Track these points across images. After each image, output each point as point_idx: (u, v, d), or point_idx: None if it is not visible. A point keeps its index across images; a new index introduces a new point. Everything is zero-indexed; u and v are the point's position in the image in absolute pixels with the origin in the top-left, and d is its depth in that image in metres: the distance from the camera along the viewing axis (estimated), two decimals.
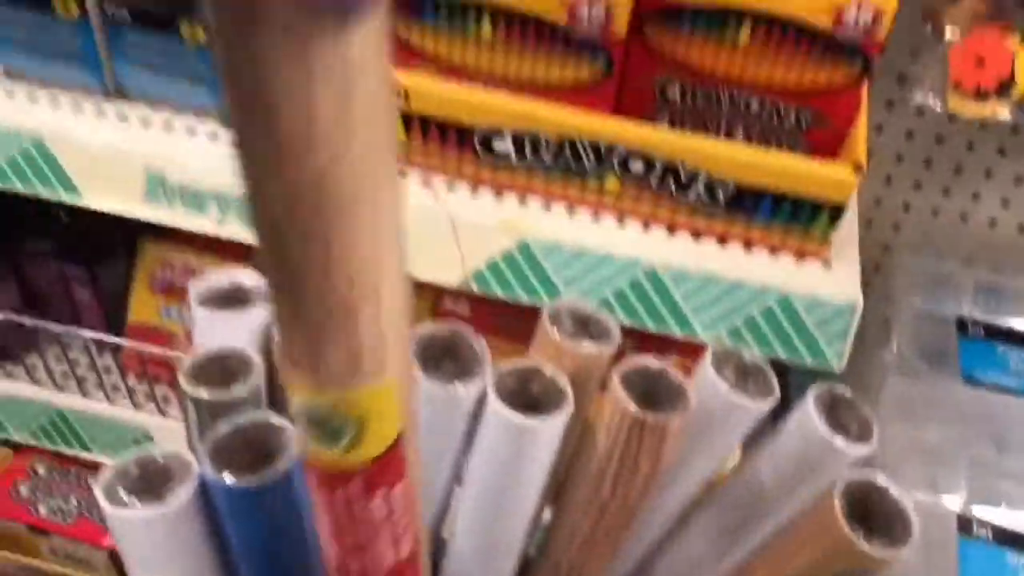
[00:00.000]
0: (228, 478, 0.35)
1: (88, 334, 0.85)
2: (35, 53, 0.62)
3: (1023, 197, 0.94)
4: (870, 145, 0.93)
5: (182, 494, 0.35)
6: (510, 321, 0.68)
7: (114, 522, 0.36)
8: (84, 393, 0.88)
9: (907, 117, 0.91)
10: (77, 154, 0.62)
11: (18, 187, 0.65)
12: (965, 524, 0.76)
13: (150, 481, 0.38)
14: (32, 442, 0.90)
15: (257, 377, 0.44)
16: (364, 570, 0.33)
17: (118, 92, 0.64)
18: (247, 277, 0.50)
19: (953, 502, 0.78)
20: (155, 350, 0.83)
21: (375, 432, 0.28)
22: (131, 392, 0.87)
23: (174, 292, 0.86)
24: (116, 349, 0.89)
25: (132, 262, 0.87)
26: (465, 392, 0.44)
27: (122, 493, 0.37)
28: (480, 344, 0.46)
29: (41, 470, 0.98)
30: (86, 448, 0.89)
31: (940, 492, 0.81)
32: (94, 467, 0.98)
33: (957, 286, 0.93)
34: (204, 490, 0.35)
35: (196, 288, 0.49)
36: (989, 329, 0.88)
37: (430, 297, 0.84)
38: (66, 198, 0.64)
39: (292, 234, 0.21)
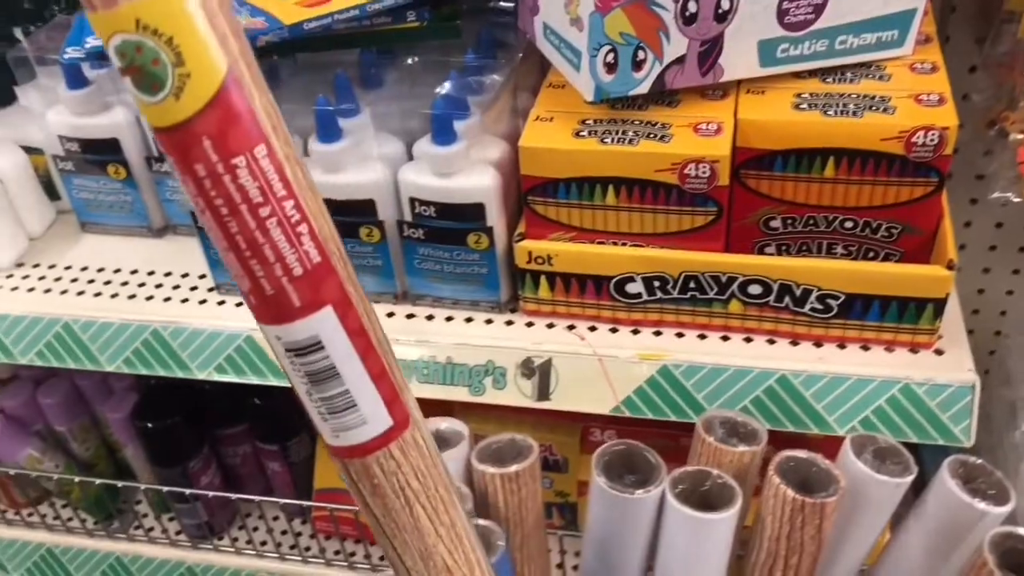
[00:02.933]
0: None
1: (282, 501, 0.96)
2: None
3: None
4: (963, 240, 1.00)
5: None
6: (655, 442, 0.76)
7: None
8: (282, 558, 0.98)
9: (992, 211, 0.98)
10: None
11: (233, 378, 0.77)
12: None
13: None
14: None
15: (468, 501, 0.54)
16: (268, 267, 0.32)
17: None
18: (444, 424, 0.61)
19: None
20: (344, 508, 0.93)
21: (194, 64, 0.27)
22: (324, 552, 0.97)
23: None
24: (305, 514, 0.99)
25: (314, 437, 0.99)
26: (646, 497, 0.53)
27: None
28: (655, 455, 0.54)
29: None
30: None
31: None
32: None
33: None
34: None
35: None
36: None
37: (578, 429, 0.92)
38: (273, 381, 0.76)
39: None
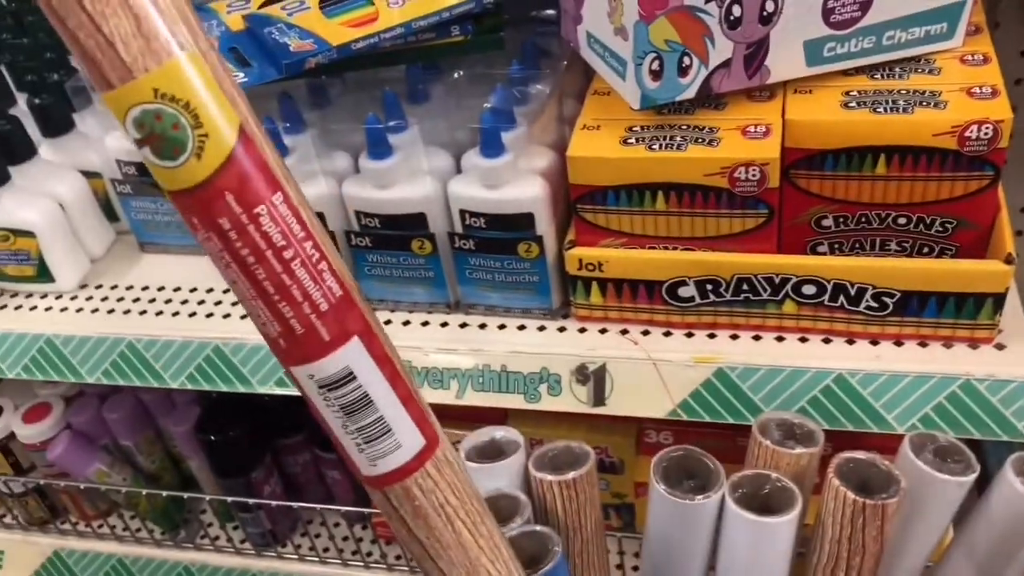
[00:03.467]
0: None
1: (342, 508, 0.97)
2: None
3: None
4: (1020, 227, 0.99)
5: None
6: (711, 442, 0.76)
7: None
8: (344, 564, 1.00)
9: None
10: None
11: (293, 391, 0.79)
12: None
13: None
14: None
15: (527, 510, 0.55)
16: (297, 307, 0.33)
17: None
18: (500, 432, 0.62)
19: None
20: None
21: (211, 126, 0.29)
22: (385, 557, 0.99)
23: None
24: (367, 520, 1.01)
25: None
26: (706, 503, 0.53)
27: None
28: (713, 461, 0.55)
29: None
30: None
31: None
32: None
33: None
34: None
35: (463, 447, 0.61)
36: None
37: (634, 431, 0.93)
38: None
39: None
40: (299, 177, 0.71)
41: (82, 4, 0.28)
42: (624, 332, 0.72)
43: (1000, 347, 0.66)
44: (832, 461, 0.54)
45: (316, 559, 1.01)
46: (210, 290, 0.84)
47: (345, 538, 1.04)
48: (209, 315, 0.82)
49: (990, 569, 0.57)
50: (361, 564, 1.00)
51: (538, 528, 0.56)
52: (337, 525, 1.06)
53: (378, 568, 0.99)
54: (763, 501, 0.54)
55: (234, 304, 0.82)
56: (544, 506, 0.59)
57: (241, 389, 0.81)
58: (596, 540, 0.62)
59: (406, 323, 0.77)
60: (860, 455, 0.54)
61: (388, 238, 0.72)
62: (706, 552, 0.57)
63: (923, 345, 0.67)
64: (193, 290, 0.85)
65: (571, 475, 0.57)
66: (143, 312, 0.83)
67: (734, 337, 0.70)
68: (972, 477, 0.54)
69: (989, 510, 0.55)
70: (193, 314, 0.82)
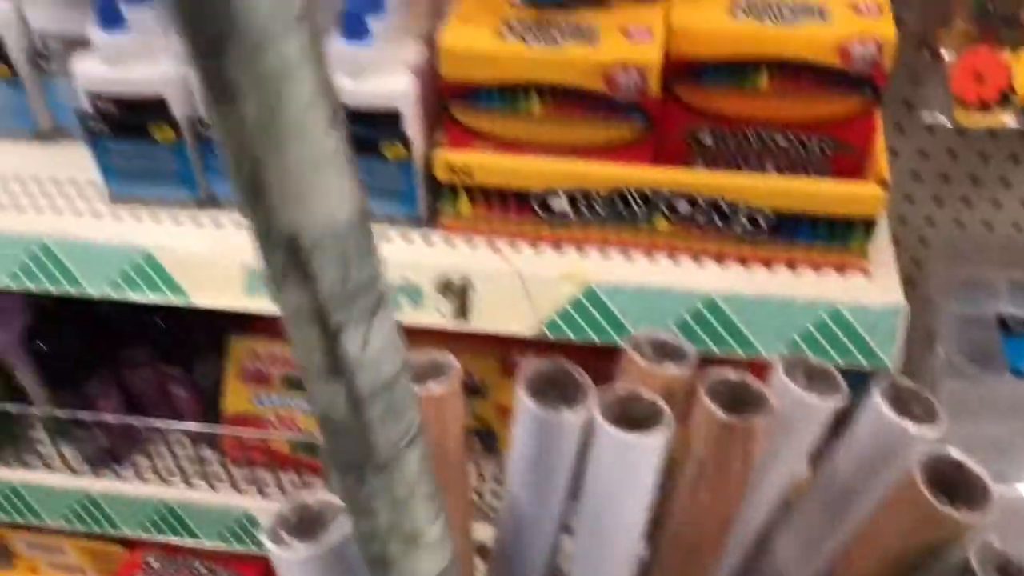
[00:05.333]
0: None
1: (189, 427, 0.91)
2: (138, 177, 0.70)
3: None
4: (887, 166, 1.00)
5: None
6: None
7: (279, 561, 0.43)
8: (189, 485, 0.94)
9: (918, 137, 0.97)
10: (182, 261, 0.70)
11: (131, 296, 0.72)
12: None
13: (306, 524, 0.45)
14: (144, 537, 0.96)
15: None
16: None
17: (210, 201, 0.72)
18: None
19: None
20: (254, 433, 0.89)
21: None
22: (232, 479, 0.94)
23: (263, 380, 0.93)
24: (214, 440, 0.95)
25: (222, 359, 0.94)
26: (574, 418, 0.50)
27: (284, 535, 0.44)
28: (582, 375, 0.52)
29: (155, 563, 1.04)
30: (195, 536, 0.95)
31: (1010, 481, 0.85)
32: (203, 555, 1.04)
33: (992, 288, 0.98)
34: None
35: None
36: None
37: (497, 353, 0.90)
38: (175, 301, 0.71)
39: None
40: (140, 54, 0.64)
41: None
42: (492, 246, 0.69)
43: (868, 275, 0.65)
44: (703, 380, 0.52)
45: (158, 480, 0.95)
46: (37, 181, 0.76)
47: (190, 459, 0.98)
48: (38, 210, 0.73)
49: (852, 493, 0.57)
50: (207, 486, 0.94)
51: None
52: (182, 445, 0.99)
53: (226, 490, 0.94)
54: (632, 420, 0.51)
55: (66, 198, 0.74)
56: None
57: (72, 291, 0.73)
58: (457, 460, 0.58)
59: None
60: (731, 374, 0.52)
61: None
62: (571, 472, 0.54)
63: (793, 269, 0.65)
64: (18, 180, 0.76)
65: (436, 389, 0.53)
66: None
67: (604, 255, 0.67)
68: (841, 399, 0.53)
69: (854, 435, 0.54)
70: (19, 206, 0.74)
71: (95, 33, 0.64)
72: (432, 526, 0.34)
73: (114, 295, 0.73)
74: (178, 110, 0.66)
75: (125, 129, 0.67)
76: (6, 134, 0.80)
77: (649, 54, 0.58)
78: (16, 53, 0.75)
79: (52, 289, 0.74)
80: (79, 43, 0.67)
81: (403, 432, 0.31)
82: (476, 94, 0.62)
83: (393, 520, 0.32)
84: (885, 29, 0.58)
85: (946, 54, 0.77)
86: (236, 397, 0.94)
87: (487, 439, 0.94)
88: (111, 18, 0.63)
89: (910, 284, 1.07)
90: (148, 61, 0.65)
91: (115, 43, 0.64)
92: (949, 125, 0.79)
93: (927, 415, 0.51)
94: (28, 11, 0.73)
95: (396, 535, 0.33)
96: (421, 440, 0.33)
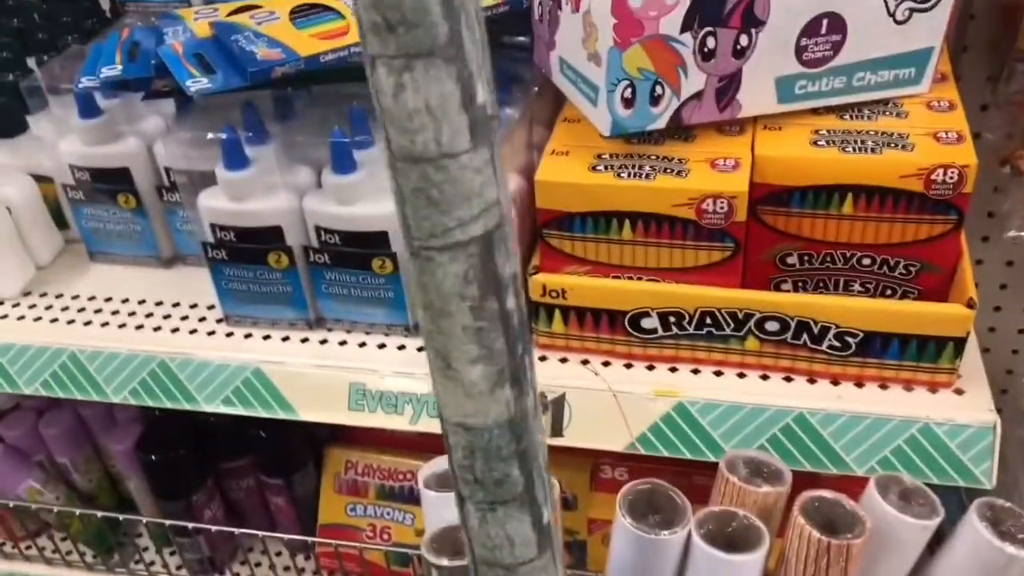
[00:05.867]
0: None
1: (287, 536, 0.94)
2: (253, 300, 0.75)
3: None
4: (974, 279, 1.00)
5: None
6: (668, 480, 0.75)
7: None
8: None
9: (1003, 249, 0.97)
10: (290, 378, 0.74)
11: (240, 411, 0.76)
12: None
13: None
14: None
15: None
16: None
17: (319, 323, 0.76)
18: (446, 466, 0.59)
19: None
20: (348, 544, 0.92)
21: None
22: None
23: (358, 490, 0.96)
24: (310, 550, 0.98)
25: (319, 471, 0.97)
26: (673, 539, 0.52)
27: None
28: (680, 495, 0.53)
29: None
30: None
31: None
32: None
33: None
34: None
35: (422, 476, 0.59)
36: None
37: (587, 466, 0.91)
38: (282, 415, 0.75)
39: None
40: (259, 189, 0.70)
41: None
42: (585, 363, 0.71)
43: (959, 392, 0.66)
44: (798, 499, 0.53)
45: None
46: (159, 303, 0.82)
47: (287, 568, 1.01)
48: (157, 328, 0.79)
49: None
50: None
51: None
52: (279, 554, 1.02)
53: None
54: (729, 538, 0.52)
55: (183, 319, 0.80)
56: None
57: (186, 406, 0.78)
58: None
59: (381, 346, 0.75)
60: (826, 494, 0.53)
61: (351, 255, 0.70)
62: None
63: (883, 387, 0.66)
64: (142, 302, 0.82)
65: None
66: (87, 323, 0.80)
67: (695, 372, 0.69)
68: (937, 520, 0.53)
69: (953, 555, 0.54)
70: (140, 327, 0.79)
71: (221, 172, 0.69)
72: None
73: (225, 410, 0.77)
74: (292, 239, 0.71)
75: (244, 256, 0.72)
76: (131, 260, 0.86)
77: (736, 184, 0.62)
78: (143, 186, 0.81)
79: (168, 404, 0.78)
80: (202, 177, 0.73)
81: None
82: (570, 222, 0.66)
83: None
84: (967, 157, 0.60)
85: None
86: (331, 508, 0.97)
87: (577, 551, 0.95)
88: (236, 159, 0.68)
89: (1003, 393, 1.05)
90: (267, 195, 0.70)
91: (238, 180, 0.69)
92: None
93: None
94: (156, 148, 0.80)
95: None
96: None
